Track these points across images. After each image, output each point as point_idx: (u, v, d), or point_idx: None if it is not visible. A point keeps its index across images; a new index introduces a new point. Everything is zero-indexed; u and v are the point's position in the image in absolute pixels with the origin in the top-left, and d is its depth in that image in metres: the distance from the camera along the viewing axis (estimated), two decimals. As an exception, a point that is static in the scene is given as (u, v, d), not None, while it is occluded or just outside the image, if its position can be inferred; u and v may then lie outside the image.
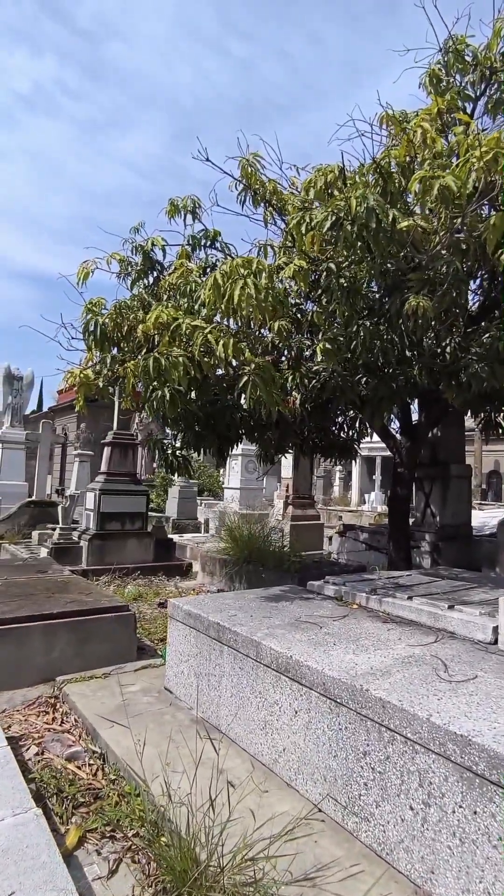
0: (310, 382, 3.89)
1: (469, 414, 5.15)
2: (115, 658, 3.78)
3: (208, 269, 3.97)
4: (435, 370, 3.79)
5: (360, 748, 2.02)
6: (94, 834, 2.11)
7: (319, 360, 3.43)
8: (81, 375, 3.60)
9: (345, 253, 3.17)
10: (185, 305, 3.47)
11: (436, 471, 6.51)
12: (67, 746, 2.76)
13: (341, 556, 7.73)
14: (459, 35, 3.85)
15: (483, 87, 3.95)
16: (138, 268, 4.02)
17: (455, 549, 6.25)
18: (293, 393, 3.96)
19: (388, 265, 3.30)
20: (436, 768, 1.74)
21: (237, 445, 5.01)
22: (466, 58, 3.92)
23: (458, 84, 4.00)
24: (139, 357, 3.21)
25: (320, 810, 2.14)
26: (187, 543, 9.34)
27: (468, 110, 4.01)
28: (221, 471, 16.76)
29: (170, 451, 4.32)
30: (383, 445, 5.56)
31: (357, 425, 5.29)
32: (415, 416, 5.40)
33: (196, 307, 3.38)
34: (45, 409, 32.10)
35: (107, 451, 8.21)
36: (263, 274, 2.88)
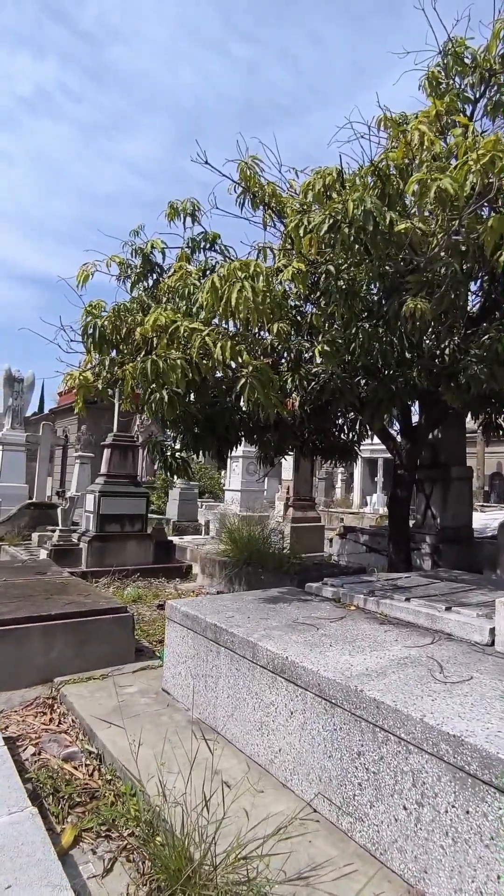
0: (309, 384, 3.90)
1: (469, 416, 5.14)
2: (113, 659, 3.79)
3: (207, 272, 3.97)
4: (434, 372, 3.79)
5: (354, 749, 2.03)
6: (89, 833, 2.11)
7: (319, 362, 3.44)
8: (81, 377, 3.61)
9: (343, 255, 3.18)
10: (184, 308, 3.48)
11: (436, 472, 6.49)
12: (64, 747, 2.77)
13: (342, 558, 7.73)
14: (459, 37, 3.85)
15: (482, 88, 3.95)
16: (138, 270, 4.04)
17: (456, 551, 6.23)
18: (293, 395, 3.97)
19: (387, 267, 3.31)
20: (429, 768, 1.75)
21: (237, 447, 5.01)
22: (466, 60, 3.92)
23: (458, 86, 4.00)
24: (137, 360, 3.22)
25: (315, 810, 2.15)
26: (187, 545, 9.32)
27: (467, 112, 4.01)
28: (222, 473, 16.75)
29: (169, 453, 4.32)
30: (385, 447, 5.56)
31: (357, 427, 5.27)
32: (415, 418, 5.40)
33: (194, 310, 3.40)
34: (45, 411, 32.15)
35: (107, 452, 8.21)
36: (261, 277, 2.90)
